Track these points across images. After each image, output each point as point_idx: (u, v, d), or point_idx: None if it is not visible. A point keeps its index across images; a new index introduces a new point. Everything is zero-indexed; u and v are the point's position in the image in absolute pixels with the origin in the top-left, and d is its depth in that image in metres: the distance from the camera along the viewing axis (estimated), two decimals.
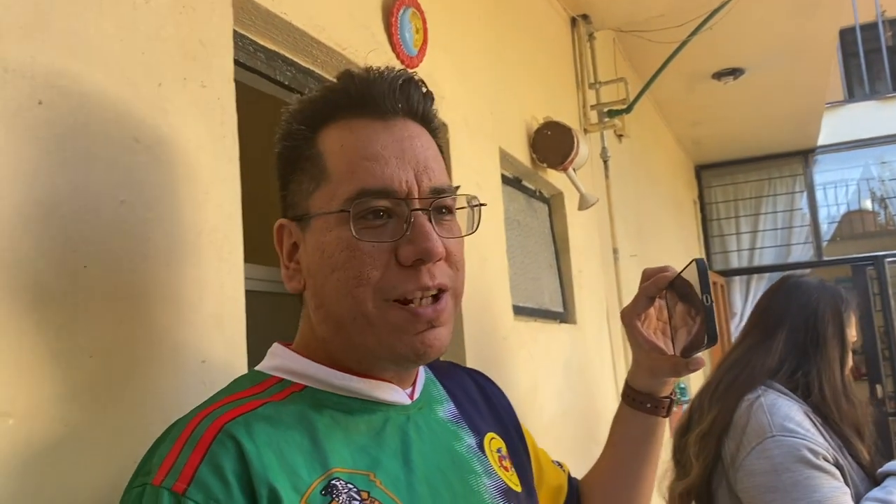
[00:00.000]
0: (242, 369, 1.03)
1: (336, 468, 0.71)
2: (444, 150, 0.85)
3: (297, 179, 0.80)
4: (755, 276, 6.67)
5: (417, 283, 0.74)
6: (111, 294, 0.85)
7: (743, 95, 4.98)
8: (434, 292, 0.76)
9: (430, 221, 0.75)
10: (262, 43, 1.28)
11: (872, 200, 8.02)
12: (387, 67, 0.80)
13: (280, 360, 0.81)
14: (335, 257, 0.75)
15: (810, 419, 1.58)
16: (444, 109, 1.78)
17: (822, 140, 6.80)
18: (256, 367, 0.83)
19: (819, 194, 7.15)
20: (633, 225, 3.88)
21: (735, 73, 4.51)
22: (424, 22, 1.68)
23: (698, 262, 0.87)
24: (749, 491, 1.54)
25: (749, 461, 1.55)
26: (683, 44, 3.05)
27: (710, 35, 3.26)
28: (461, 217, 0.83)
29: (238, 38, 1.19)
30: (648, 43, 3.66)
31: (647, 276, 1.00)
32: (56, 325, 0.78)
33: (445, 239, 0.77)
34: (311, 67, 1.41)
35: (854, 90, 8.53)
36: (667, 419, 1.05)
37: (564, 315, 2.62)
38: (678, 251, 5.48)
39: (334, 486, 0.69)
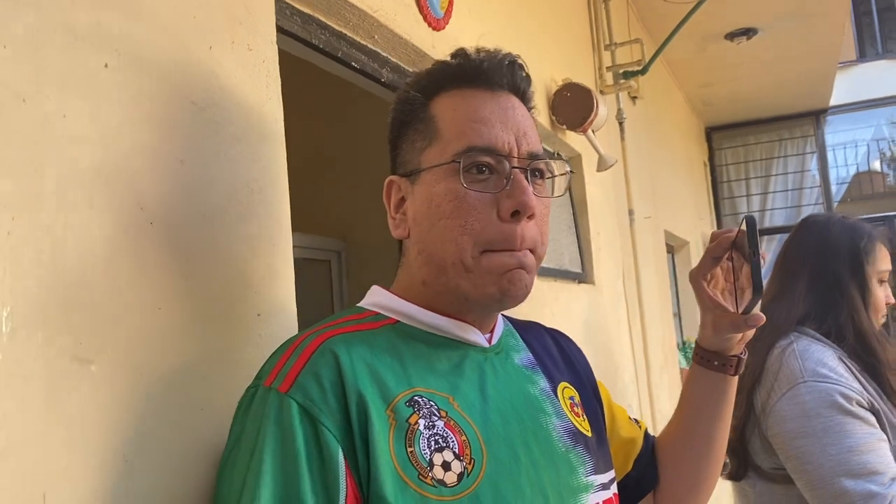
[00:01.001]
0: (293, 323, 1.08)
1: (419, 387, 0.82)
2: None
3: (409, 139, 0.92)
4: (765, 237, 6.69)
5: (511, 242, 0.84)
6: (174, 250, 0.89)
7: (755, 56, 4.95)
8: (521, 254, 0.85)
9: (528, 179, 0.85)
10: (298, 7, 1.30)
11: (882, 161, 7.99)
12: (495, 49, 0.92)
13: (377, 297, 0.93)
14: (443, 207, 0.85)
15: (845, 364, 1.55)
16: None
17: (834, 101, 6.77)
18: (358, 304, 0.94)
19: (830, 155, 7.14)
20: (647, 187, 3.91)
21: (748, 33, 4.49)
22: None
23: (747, 218, 0.93)
24: (780, 437, 1.52)
25: (780, 406, 1.53)
26: (700, 2, 3.05)
27: None
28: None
29: (277, 3, 1.22)
30: (662, 3, 3.66)
31: (714, 237, 1.02)
32: (128, 278, 0.82)
33: (537, 197, 0.86)
34: (344, 31, 1.44)
35: (866, 49, 8.46)
36: (735, 377, 1.06)
37: (583, 276, 2.66)
38: (690, 213, 5.50)
39: (417, 400, 0.80)
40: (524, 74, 0.93)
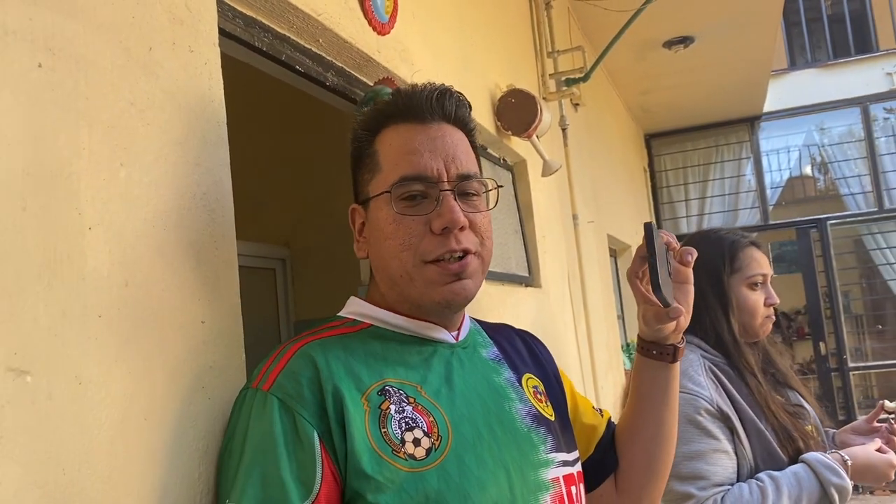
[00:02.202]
0: (239, 329, 1.05)
1: (390, 378, 0.94)
2: (476, 147, 1.07)
3: (361, 171, 1.04)
4: None
5: (446, 247, 0.96)
6: (115, 256, 0.86)
7: (692, 64, 5.08)
8: (460, 254, 0.96)
9: (455, 200, 0.96)
10: (240, 9, 1.28)
11: (813, 166, 8.26)
12: (428, 83, 1.03)
13: (354, 307, 1.06)
14: (385, 229, 0.98)
15: (714, 373, 1.64)
16: (413, 76, 1.80)
17: (767, 107, 6.98)
18: (337, 314, 1.06)
19: (764, 161, 7.36)
20: (589, 192, 3.96)
21: (685, 41, 4.60)
22: None
23: (645, 225, 1.04)
24: None
25: None
26: (639, 11, 3.11)
27: (663, 3, 3.33)
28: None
29: (218, 5, 1.19)
30: (602, 12, 3.72)
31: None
32: (67, 286, 0.79)
33: (470, 213, 0.98)
34: (288, 34, 1.42)
35: (796, 58, 8.75)
36: (675, 365, 1.14)
37: (530, 279, 2.68)
38: (632, 218, 5.60)
39: (388, 390, 0.92)
40: (457, 101, 1.03)
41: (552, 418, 1.07)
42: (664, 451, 1.18)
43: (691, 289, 1.12)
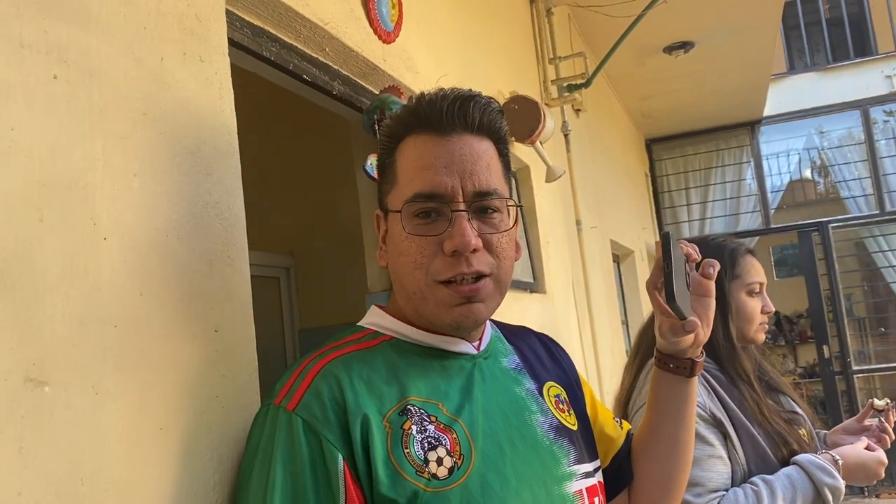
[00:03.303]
0: (251, 337, 1.05)
1: (412, 397, 0.92)
2: (505, 154, 1.01)
3: (383, 181, 1.01)
4: None
5: (457, 270, 0.92)
6: (129, 266, 0.86)
7: (692, 69, 5.10)
8: (473, 277, 0.93)
9: (469, 220, 0.92)
10: (247, 19, 1.29)
11: (813, 169, 8.27)
12: (451, 89, 0.97)
13: (374, 317, 1.03)
14: (400, 245, 0.95)
15: (704, 378, 1.62)
16: (417, 84, 1.81)
17: (767, 111, 6.99)
18: (358, 323, 1.04)
19: (765, 164, 7.37)
20: (592, 197, 3.97)
21: (685, 46, 4.62)
22: None
23: (661, 235, 1.03)
24: None
25: (635, 420, 1.64)
26: (640, 16, 3.12)
27: (663, 8, 3.34)
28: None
29: (227, 15, 1.20)
30: (603, 18, 3.73)
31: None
32: (83, 296, 0.79)
33: (487, 234, 0.94)
34: (295, 43, 1.43)
35: (795, 62, 8.77)
36: (693, 379, 1.10)
37: (535, 285, 2.68)
38: (634, 223, 5.61)
39: (409, 409, 0.90)
40: (482, 109, 0.95)
41: (574, 427, 1.05)
42: (679, 467, 1.15)
43: (712, 303, 1.07)
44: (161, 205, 0.93)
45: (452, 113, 0.94)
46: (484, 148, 0.96)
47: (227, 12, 1.22)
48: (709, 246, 1.77)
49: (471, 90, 0.97)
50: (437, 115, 0.94)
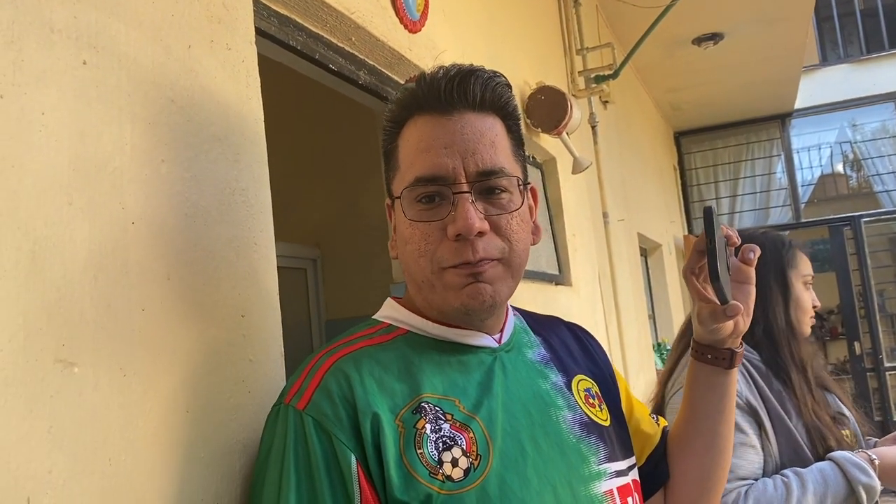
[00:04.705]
0: (277, 323, 1.06)
1: (426, 394, 0.87)
2: (514, 131, 0.95)
3: (388, 168, 0.97)
4: None
5: (462, 257, 0.87)
6: (157, 250, 0.87)
7: (722, 61, 5.03)
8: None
9: (473, 202, 0.87)
10: (275, 8, 1.29)
11: (845, 163, 8.14)
12: (452, 65, 0.91)
13: (389, 311, 0.99)
14: (405, 233, 0.91)
15: (743, 366, 1.59)
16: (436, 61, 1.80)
17: (799, 104, 6.89)
18: (373, 316, 0.99)
19: (795, 158, 7.27)
20: (619, 190, 3.94)
21: (715, 37, 4.56)
22: None
23: (704, 210, 0.96)
24: None
25: (674, 400, 1.63)
26: (669, 7, 3.08)
27: None
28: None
29: (254, 3, 1.21)
30: (631, 8, 3.70)
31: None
32: (111, 279, 0.80)
33: (494, 216, 0.88)
34: (321, 33, 1.43)
35: (827, 54, 8.63)
36: (732, 371, 1.04)
37: (560, 277, 2.67)
38: (662, 216, 5.56)
39: (423, 407, 0.86)
40: (483, 83, 0.90)
41: (607, 423, 0.98)
42: (718, 465, 1.09)
43: (752, 290, 1.01)
44: (188, 190, 0.93)
45: (451, 90, 0.89)
46: (488, 125, 0.91)
47: (254, 1, 1.22)
48: (766, 238, 1.75)
49: (472, 65, 0.91)
50: (436, 94, 0.89)
